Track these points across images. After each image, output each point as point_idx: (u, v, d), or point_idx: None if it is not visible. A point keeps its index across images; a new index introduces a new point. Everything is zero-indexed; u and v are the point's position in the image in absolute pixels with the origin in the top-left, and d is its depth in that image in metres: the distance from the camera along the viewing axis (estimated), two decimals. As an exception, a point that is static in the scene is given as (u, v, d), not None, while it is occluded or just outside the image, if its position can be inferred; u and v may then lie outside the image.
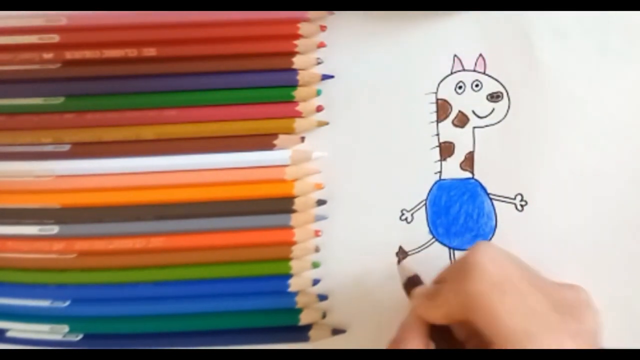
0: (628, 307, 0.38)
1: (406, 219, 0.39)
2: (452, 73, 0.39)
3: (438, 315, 0.32)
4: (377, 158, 0.40)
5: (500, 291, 0.29)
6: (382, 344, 0.39)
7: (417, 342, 0.32)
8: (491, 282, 0.30)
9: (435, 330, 0.33)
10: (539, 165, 0.39)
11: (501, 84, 0.39)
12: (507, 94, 0.39)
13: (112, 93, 0.40)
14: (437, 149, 0.39)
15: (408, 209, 0.39)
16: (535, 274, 0.32)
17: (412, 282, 0.36)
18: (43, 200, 0.40)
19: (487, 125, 0.39)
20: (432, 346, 0.33)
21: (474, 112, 0.39)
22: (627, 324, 0.38)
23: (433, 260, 0.39)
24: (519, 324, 0.29)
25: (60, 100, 0.40)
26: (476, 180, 0.39)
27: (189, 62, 0.40)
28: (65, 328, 0.39)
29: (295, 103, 0.40)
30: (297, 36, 0.40)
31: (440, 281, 0.34)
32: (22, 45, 0.40)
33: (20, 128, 0.40)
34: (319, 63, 0.40)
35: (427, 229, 0.39)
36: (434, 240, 0.39)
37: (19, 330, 0.40)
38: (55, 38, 0.40)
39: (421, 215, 0.39)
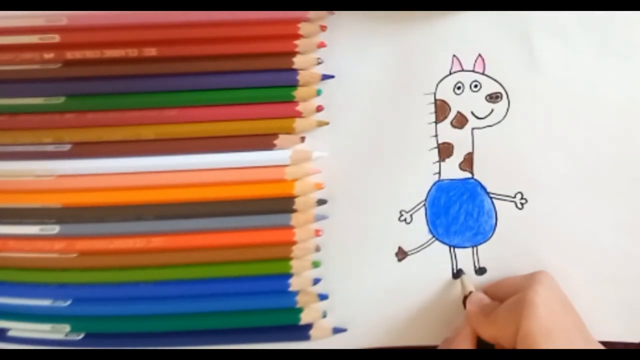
0: (627, 305, 0.39)
1: (405, 219, 0.39)
2: (450, 73, 0.40)
3: (487, 334, 0.35)
4: (377, 158, 0.40)
5: (548, 337, 0.31)
6: (383, 343, 0.39)
7: (465, 344, 0.35)
8: (541, 325, 0.32)
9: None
10: (538, 164, 0.39)
11: (500, 84, 0.39)
12: (507, 94, 0.39)
13: (112, 93, 0.40)
14: (436, 150, 0.39)
15: (407, 210, 0.39)
16: (581, 322, 0.35)
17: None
18: (44, 200, 0.40)
19: (486, 126, 0.39)
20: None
21: (472, 113, 0.39)
22: (627, 322, 0.39)
23: (433, 259, 0.39)
24: None
25: (61, 100, 0.40)
26: (475, 180, 0.39)
27: (189, 62, 0.40)
28: (67, 327, 0.39)
29: (295, 103, 0.40)
30: (297, 36, 0.40)
31: (494, 297, 0.37)
32: (23, 45, 0.40)
33: (21, 128, 0.40)
34: (319, 63, 0.40)
35: (426, 228, 0.39)
36: (433, 239, 0.39)
37: (20, 329, 0.40)
38: (55, 38, 0.40)
39: (420, 216, 0.39)
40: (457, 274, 0.39)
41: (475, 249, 0.39)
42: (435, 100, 0.40)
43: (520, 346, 0.32)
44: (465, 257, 0.39)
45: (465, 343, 0.35)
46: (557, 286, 0.35)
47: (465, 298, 0.37)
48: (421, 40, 0.40)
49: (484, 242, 0.39)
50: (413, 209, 0.39)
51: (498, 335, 0.34)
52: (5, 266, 0.40)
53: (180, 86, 0.40)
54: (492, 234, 0.39)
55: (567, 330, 0.33)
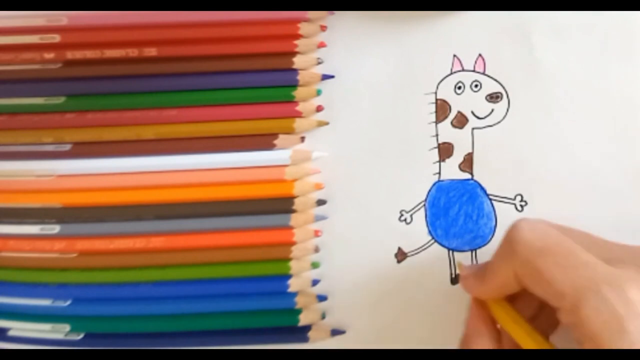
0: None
1: (405, 219, 0.39)
2: (451, 73, 0.39)
3: (490, 290, 0.33)
4: (377, 158, 0.40)
5: (544, 254, 0.30)
6: (382, 345, 0.39)
7: (484, 340, 0.33)
8: (534, 249, 0.30)
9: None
10: (538, 165, 0.39)
11: (501, 84, 0.39)
12: (507, 94, 0.39)
13: (112, 93, 0.40)
14: (436, 149, 0.39)
15: (407, 210, 0.39)
16: (584, 233, 0.33)
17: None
18: (44, 200, 0.40)
19: (486, 126, 0.39)
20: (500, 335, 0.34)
21: (473, 112, 0.39)
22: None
23: (432, 261, 0.39)
24: (572, 280, 0.28)
25: (61, 99, 0.40)
26: (475, 181, 0.39)
27: (189, 62, 0.40)
28: (67, 327, 0.40)
29: (295, 103, 0.40)
30: (297, 36, 0.39)
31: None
32: (23, 45, 0.40)
33: (22, 127, 0.40)
34: (319, 63, 0.40)
35: (426, 230, 0.39)
36: (433, 241, 0.39)
37: (20, 329, 0.40)
38: (56, 38, 0.40)
39: (420, 216, 0.39)
40: (456, 279, 0.39)
41: (474, 252, 0.39)
42: (436, 100, 0.39)
43: (523, 279, 0.30)
44: (463, 261, 0.39)
45: (484, 338, 0.33)
46: (536, 219, 0.33)
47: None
48: (422, 40, 0.40)
49: (483, 245, 0.39)
50: (413, 209, 0.39)
51: (500, 286, 0.32)
52: (6, 266, 0.40)
53: (180, 86, 0.40)
54: (492, 237, 0.39)
55: (565, 245, 0.30)
